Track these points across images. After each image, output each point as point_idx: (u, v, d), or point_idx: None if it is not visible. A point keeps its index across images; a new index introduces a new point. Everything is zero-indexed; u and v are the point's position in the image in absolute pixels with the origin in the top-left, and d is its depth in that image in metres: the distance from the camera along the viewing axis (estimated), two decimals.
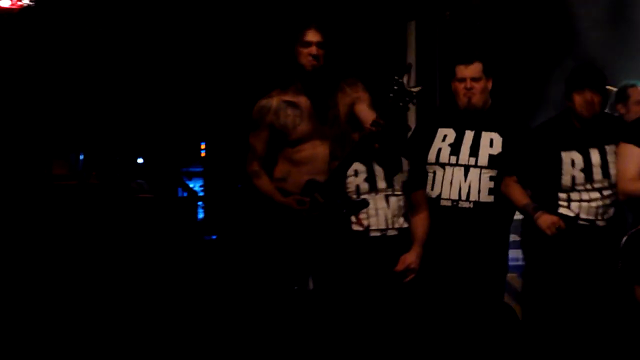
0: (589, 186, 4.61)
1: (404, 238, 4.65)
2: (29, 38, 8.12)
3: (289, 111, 4.94)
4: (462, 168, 4.83)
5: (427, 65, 7.00)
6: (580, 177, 4.60)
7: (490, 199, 4.71)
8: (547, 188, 4.80)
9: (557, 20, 7.35)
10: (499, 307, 4.66)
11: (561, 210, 4.55)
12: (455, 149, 4.78)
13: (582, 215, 4.61)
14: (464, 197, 4.75)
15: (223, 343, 5.14)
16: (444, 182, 4.79)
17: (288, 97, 4.98)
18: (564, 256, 4.55)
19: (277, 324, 4.75)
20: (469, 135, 4.84)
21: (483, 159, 4.82)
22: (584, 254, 4.57)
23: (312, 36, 5.02)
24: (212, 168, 7.01)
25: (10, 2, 7.79)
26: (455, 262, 4.79)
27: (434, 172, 4.83)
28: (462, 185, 4.84)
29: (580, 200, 4.60)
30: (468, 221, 4.75)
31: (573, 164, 4.65)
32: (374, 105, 4.93)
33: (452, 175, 4.79)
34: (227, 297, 5.65)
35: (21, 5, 7.78)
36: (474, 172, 4.83)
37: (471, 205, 4.75)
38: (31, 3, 7.74)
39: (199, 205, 7.37)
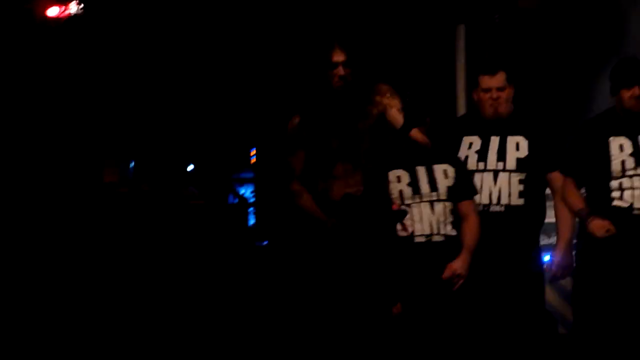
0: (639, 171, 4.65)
1: (452, 245, 4.69)
2: (77, 46, 8.25)
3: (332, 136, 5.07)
4: (491, 173, 4.88)
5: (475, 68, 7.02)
6: (630, 161, 4.59)
7: (521, 202, 4.76)
8: (599, 178, 4.79)
9: (606, 20, 7.40)
10: (539, 314, 4.72)
11: (615, 202, 4.57)
12: (482, 155, 4.86)
13: (637, 205, 4.60)
14: (494, 201, 4.79)
15: (268, 346, 5.14)
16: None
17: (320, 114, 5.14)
18: (620, 250, 4.56)
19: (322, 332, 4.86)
20: (494, 140, 4.91)
21: (511, 163, 4.88)
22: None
23: (337, 56, 5.11)
24: (262, 174, 7.08)
25: (58, 11, 7.90)
26: (491, 267, 4.85)
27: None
28: (492, 189, 4.86)
29: (633, 188, 4.60)
30: (500, 225, 4.82)
31: (622, 148, 4.66)
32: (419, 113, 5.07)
33: (482, 180, 4.86)
34: (274, 303, 5.71)
35: (69, 14, 7.89)
36: (503, 176, 4.86)
37: (502, 208, 4.82)
38: (78, 12, 7.84)
39: (250, 211, 7.44)
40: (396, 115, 5.05)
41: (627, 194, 4.68)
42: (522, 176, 4.84)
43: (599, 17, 7.44)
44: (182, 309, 5.98)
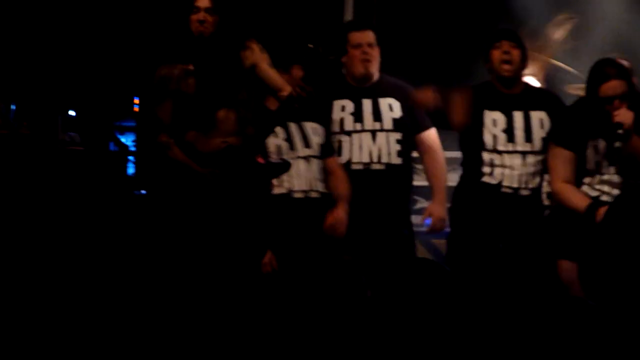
0: (510, 148, 4.78)
1: (327, 202, 4.88)
2: None
3: (190, 80, 5.25)
4: (369, 133, 5.14)
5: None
6: (502, 137, 4.81)
7: (399, 161, 5.05)
8: (472, 150, 5.04)
9: None
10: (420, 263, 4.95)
11: (484, 178, 4.77)
12: (358, 116, 5.11)
13: (505, 183, 4.83)
14: (375, 159, 5.11)
15: (148, 300, 5.16)
16: (352, 148, 5.07)
17: (189, 66, 5.32)
18: (487, 224, 4.82)
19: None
20: (367, 103, 5.27)
21: (388, 123, 5.13)
22: (507, 223, 4.83)
23: (201, 2, 5.38)
24: (143, 123, 7.12)
25: None
26: (371, 224, 5.14)
27: (340, 141, 5.17)
28: (372, 148, 5.14)
29: (503, 166, 4.80)
30: (381, 182, 5.10)
31: (495, 123, 4.88)
32: (298, 69, 5.23)
33: (361, 140, 5.09)
34: (148, 251, 5.65)
35: None
36: (381, 136, 5.16)
37: (383, 167, 5.14)
38: None
39: (130, 160, 7.47)
40: (269, 71, 5.24)
41: (497, 171, 4.94)
42: (398, 136, 5.08)
43: None
44: (55, 253, 5.96)
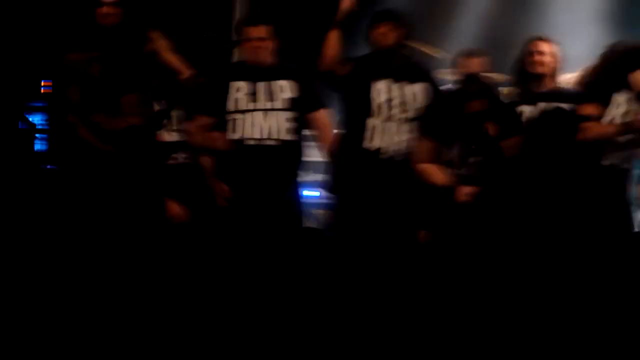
0: (393, 113, 5.50)
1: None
2: None
3: (95, 66, 5.93)
4: (261, 112, 5.64)
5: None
6: (384, 106, 5.47)
7: (289, 137, 5.69)
8: (356, 116, 5.59)
9: None
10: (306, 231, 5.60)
11: (365, 144, 5.52)
12: (252, 97, 5.65)
13: (382, 146, 5.53)
14: (265, 135, 5.62)
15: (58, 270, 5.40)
16: (246, 125, 5.64)
17: (94, 53, 5.98)
18: (368, 189, 5.51)
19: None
20: (260, 85, 5.65)
21: (279, 103, 5.65)
22: (386, 187, 5.53)
23: None
24: (54, 103, 7.58)
25: None
26: (264, 196, 5.69)
27: (235, 119, 5.65)
28: (263, 126, 5.64)
29: (383, 132, 5.54)
30: (273, 157, 5.67)
31: (378, 93, 5.49)
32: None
33: (253, 118, 5.72)
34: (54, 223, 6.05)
35: None
36: (272, 114, 5.65)
37: (274, 142, 5.60)
38: None
39: (38, 137, 7.95)
40: (172, 56, 5.91)
41: (377, 138, 5.64)
42: (289, 115, 5.72)
43: None
44: None
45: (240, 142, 5.64)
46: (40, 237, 5.89)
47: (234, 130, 5.68)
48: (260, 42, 5.71)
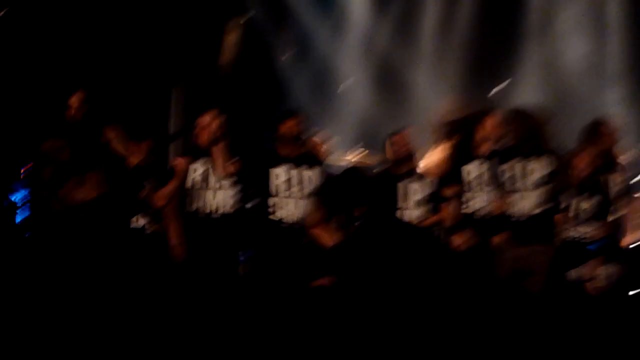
0: (289, 195, 6.65)
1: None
2: None
3: (64, 152, 7.00)
4: (212, 191, 6.72)
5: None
6: (282, 187, 6.65)
7: (232, 210, 6.70)
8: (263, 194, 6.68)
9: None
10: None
11: (271, 216, 6.68)
12: (206, 177, 6.76)
13: (283, 218, 6.63)
14: (215, 209, 6.72)
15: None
16: (200, 201, 6.74)
17: (64, 141, 7.07)
18: (271, 249, 6.51)
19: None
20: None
21: (227, 183, 6.76)
22: (285, 248, 6.53)
23: (72, 101, 7.03)
24: (33, 182, 7.98)
25: None
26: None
27: (192, 194, 6.75)
28: (212, 202, 6.76)
29: (282, 207, 6.68)
30: (220, 227, 6.65)
31: (277, 177, 6.63)
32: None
33: (206, 196, 6.77)
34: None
35: None
36: (221, 192, 6.74)
37: (220, 216, 6.69)
38: None
39: (18, 212, 8.40)
40: (116, 145, 6.95)
41: (280, 211, 6.66)
42: (233, 191, 6.72)
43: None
44: None
45: (193, 214, 6.71)
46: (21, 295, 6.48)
47: (192, 203, 6.76)
48: (204, 130, 6.76)
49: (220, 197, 6.84)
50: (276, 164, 6.76)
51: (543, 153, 6.78)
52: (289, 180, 6.65)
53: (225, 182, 6.79)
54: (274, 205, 6.68)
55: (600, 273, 6.87)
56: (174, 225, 6.73)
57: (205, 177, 6.80)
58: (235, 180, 6.79)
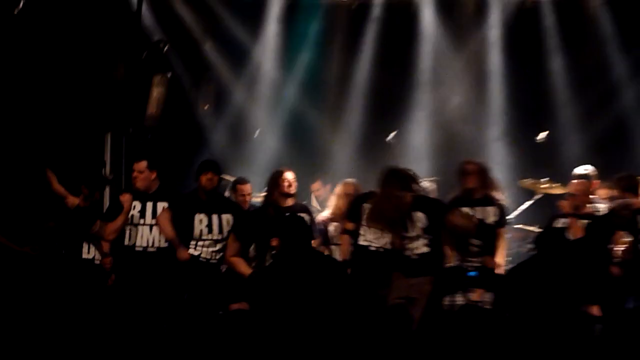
0: (210, 237, 7.37)
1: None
2: None
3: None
4: (148, 226, 7.50)
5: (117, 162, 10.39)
6: (205, 230, 7.38)
7: (166, 245, 7.43)
8: (186, 237, 7.35)
9: None
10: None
11: (191, 251, 7.35)
12: (142, 214, 7.53)
13: (202, 255, 7.39)
14: (151, 244, 7.47)
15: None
16: (138, 235, 7.51)
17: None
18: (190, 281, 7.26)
19: None
20: (149, 205, 7.55)
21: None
22: (202, 284, 7.24)
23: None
24: None
25: None
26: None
27: (130, 229, 7.49)
28: (149, 237, 7.48)
29: (203, 246, 7.42)
30: (156, 260, 7.40)
31: (201, 222, 7.39)
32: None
33: (142, 231, 7.54)
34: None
35: None
36: (155, 228, 7.44)
37: (155, 250, 7.47)
38: None
39: None
40: (55, 187, 7.52)
41: (199, 248, 7.35)
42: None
43: None
44: None
45: (132, 247, 7.47)
46: None
47: (129, 239, 7.51)
48: (138, 174, 7.58)
49: (155, 232, 7.57)
50: (199, 209, 7.45)
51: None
52: (209, 225, 7.44)
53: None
54: (197, 245, 7.46)
55: (485, 298, 7.19)
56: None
57: (142, 214, 7.56)
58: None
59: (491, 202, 7.49)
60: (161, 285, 7.42)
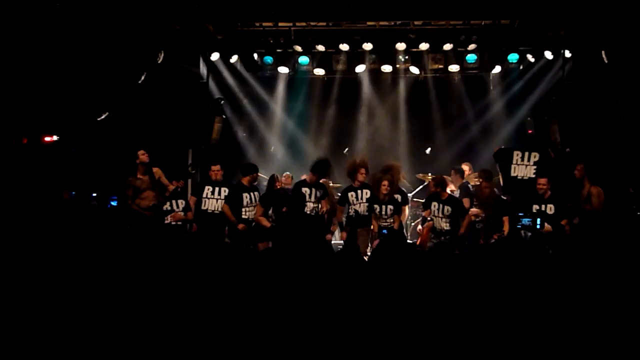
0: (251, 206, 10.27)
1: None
2: None
3: (138, 181, 10.71)
4: (215, 199, 10.44)
5: (195, 164, 14.10)
6: (248, 202, 10.06)
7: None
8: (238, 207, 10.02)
9: None
10: None
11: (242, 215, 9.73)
12: (213, 193, 10.51)
13: (249, 217, 9.99)
14: (216, 209, 10.29)
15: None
16: (209, 204, 10.54)
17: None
18: None
19: None
20: (217, 189, 10.77)
21: (222, 197, 10.60)
22: None
23: (140, 158, 10.54)
24: (122, 195, 11.53)
25: None
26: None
27: (205, 201, 10.65)
28: (215, 205, 10.39)
29: (247, 211, 10.07)
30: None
31: (246, 197, 10.20)
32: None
33: (211, 202, 10.53)
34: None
35: None
36: (220, 200, 10.33)
37: (218, 212, 10.22)
38: None
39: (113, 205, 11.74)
40: (164, 178, 10.86)
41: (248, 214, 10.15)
42: (224, 201, 10.43)
43: None
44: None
45: (205, 210, 10.41)
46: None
47: (203, 205, 10.58)
48: (212, 171, 10.62)
49: (219, 203, 10.59)
50: (245, 191, 10.10)
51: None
52: (250, 199, 10.47)
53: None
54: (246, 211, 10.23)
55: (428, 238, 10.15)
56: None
57: (212, 192, 10.65)
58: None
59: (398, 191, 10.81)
60: (220, 233, 10.35)
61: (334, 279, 5.05)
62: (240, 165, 11.60)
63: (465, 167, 13.03)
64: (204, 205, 11.28)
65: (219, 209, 11.04)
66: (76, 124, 12.95)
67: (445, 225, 11.26)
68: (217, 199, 11.31)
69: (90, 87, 12.97)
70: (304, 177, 11.84)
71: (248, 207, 11.06)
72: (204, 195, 11.28)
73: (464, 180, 12.65)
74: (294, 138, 16.43)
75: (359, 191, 11.29)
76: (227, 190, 11.29)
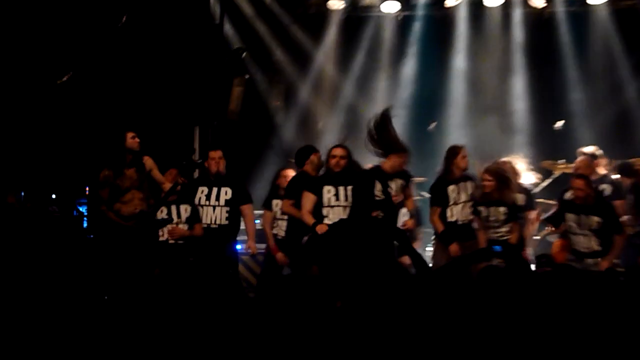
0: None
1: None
2: None
3: (120, 178, 8.10)
4: (211, 207, 8.11)
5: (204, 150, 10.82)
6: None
7: (226, 222, 8.04)
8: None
9: None
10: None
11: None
12: (209, 196, 8.15)
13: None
14: (213, 222, 8.01)
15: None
16: (204, 215, 8.05)
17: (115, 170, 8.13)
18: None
19: None
20: (214, 189, 8.15)
21: (222, 201, 8.15)
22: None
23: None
24: (94, 199, 9.13)
25: None
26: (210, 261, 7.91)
27: (199, 210, 8.03)
28: (212, 216, 8.04)
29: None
30: (216, 236, 7.93)
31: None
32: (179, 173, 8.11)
33: (207, 211, 8.15)
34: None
35: None
36: (218, 209, 8.08)
37: (217, 227, 8.03)
38: None
39: (84, 219, 9.79)
40: (158, 174, 8.11)
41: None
42: (227, 208, 8.12)
43: None
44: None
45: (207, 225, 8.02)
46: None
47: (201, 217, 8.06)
48: (218, 160, 8.13)
49: (217, 212, 8.23)
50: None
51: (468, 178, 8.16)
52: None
53: (222, 200, 8.11)
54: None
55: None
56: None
57: (208, 197, 8.21)
58: (229, 199, 8.15)
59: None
60: (219, 256, 8.14)
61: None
62: (296, 151, 8.39)
63: (596, 153, 9.58)
64: (202, 217, 8.19)
65: (219, 221, 8.05)
66: (25, 90, 10.62)
67: (595, 245, 8.29)
68: (213, 207, 8.09)
69: (45, 32, 10.73)
70: (369, 165, 8.40)
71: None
72: (197, 201, 8.16)
73: (605, 173, 9.48)
74: (353, 107, 13.45)
75: (461, 184, 8.27)
76: (230, 192, 8.14)
